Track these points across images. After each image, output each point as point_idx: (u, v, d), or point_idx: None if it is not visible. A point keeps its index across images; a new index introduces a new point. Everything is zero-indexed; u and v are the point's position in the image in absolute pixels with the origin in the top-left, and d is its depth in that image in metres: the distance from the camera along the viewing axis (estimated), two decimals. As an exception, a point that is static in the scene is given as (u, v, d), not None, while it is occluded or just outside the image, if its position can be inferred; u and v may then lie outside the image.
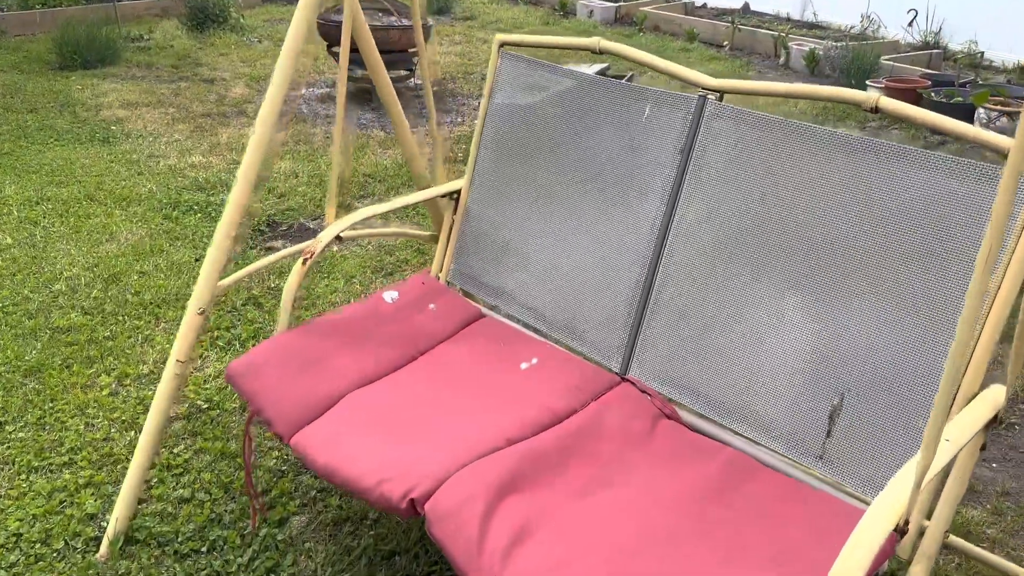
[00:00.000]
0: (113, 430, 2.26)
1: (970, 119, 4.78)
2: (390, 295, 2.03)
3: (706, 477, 1.53)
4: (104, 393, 2.42)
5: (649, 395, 1.74)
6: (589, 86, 1.86)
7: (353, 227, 1.97)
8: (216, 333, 2.74)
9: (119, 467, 2.12)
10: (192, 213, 3.74)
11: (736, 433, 1.65)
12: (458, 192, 2.15)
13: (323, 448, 1.59)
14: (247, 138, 4.01)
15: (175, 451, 2.18)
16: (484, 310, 2.08)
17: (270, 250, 3.45)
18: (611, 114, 1.81)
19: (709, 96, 1.67)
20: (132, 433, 2.24)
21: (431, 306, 2.02)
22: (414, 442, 1.59)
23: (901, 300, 1.42)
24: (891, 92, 5.25)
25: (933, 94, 5.14)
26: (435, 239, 2.25)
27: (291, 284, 1.85)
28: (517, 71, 2.01)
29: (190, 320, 1.84)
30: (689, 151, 1.69)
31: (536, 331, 1.99)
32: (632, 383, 1.78)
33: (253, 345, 2.64)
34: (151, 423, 1.85)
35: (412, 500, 1.44)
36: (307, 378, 1.76)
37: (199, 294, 1.84)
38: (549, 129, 1.93)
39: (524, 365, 1.83)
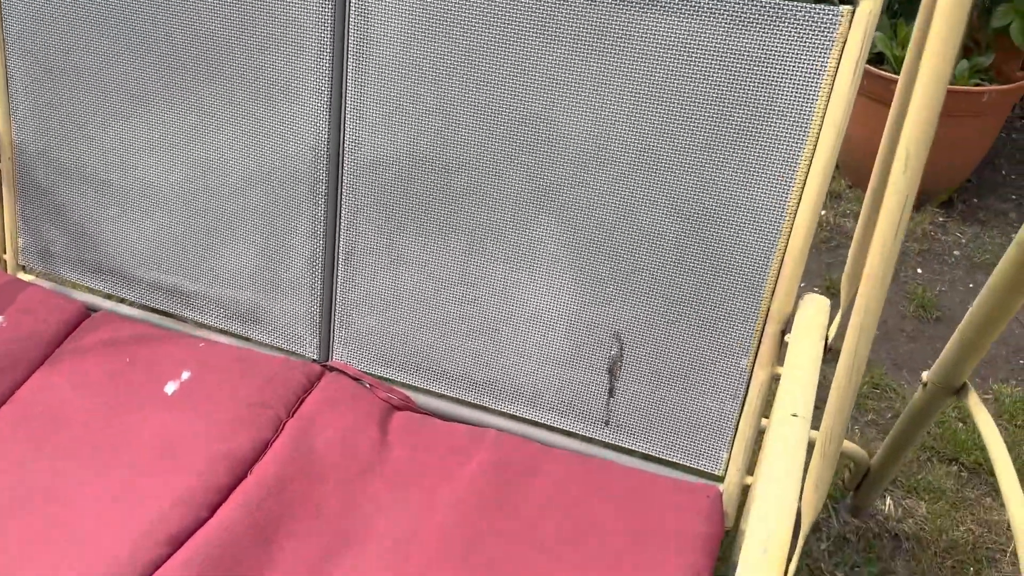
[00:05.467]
0: None
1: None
2: (-81, 318, 1.26)
3: (473, 484, 1.10)
4: None
5: (369, 385, 1.24)
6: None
7: None
8: None
9: None
10: None
11: (494, 411, 1.22)
12: (-6, 126, 1.35)
13: None
14: None
15: None
16: (93, 300, 1.39)
17: None
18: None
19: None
20: None
21: (-3, 319, 1.29)
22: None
23: (681, 202, 1.03)
24: None
25: None
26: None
27: None
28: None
29: None
30: (343, 26, 1.10)
31: (182, 320, 1.36)
32: (341, 371, 1.26)
33: None
34: None
35: None
36: None
37: None
38: None
39: (171, 386, 1.21)
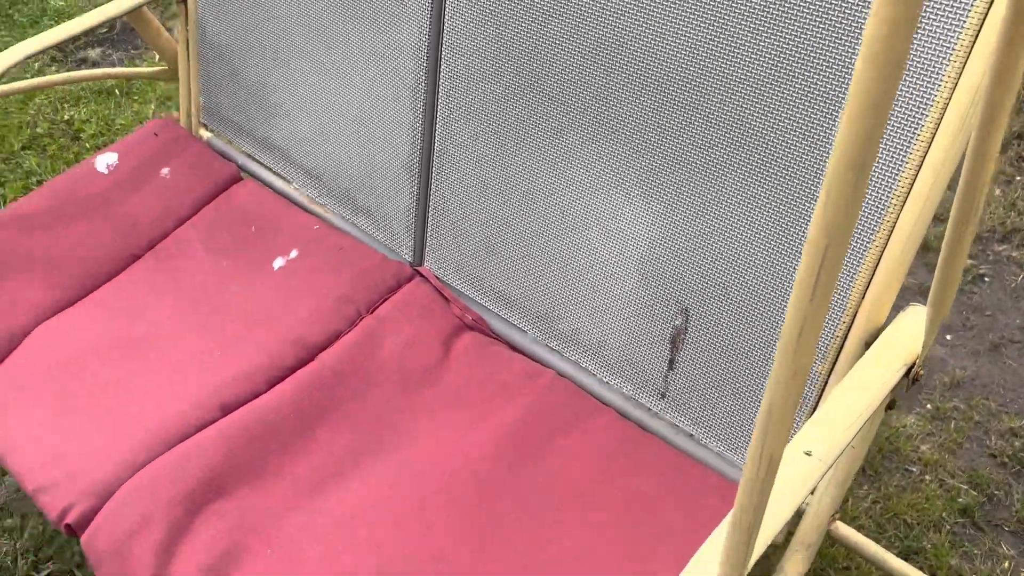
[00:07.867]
0: None
1: None
2: (106, 159, 1.44)
3: (512, 426, 1.07)
4: None
5: (446, 298, 1.23)
6: None
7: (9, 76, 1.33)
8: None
9: None
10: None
11: (561, 355, 1.16)
12: (184, -8, 1.46)
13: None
14: None
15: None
16: (246, 164, 1.49)
17: (83, 63, 2.71)
18: None
19: None
20: None
21: (164, 171, 1.44)
22: (97, 416, 1.10)
23: (775, 175, 0.86)
24: None
25: None
26: (174, 75, 1.59)
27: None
28: None
29: None
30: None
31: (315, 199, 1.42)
32: (426, 279, 1.26)
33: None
34: None
35: (69, 526, 0.99)
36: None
37: None
38: None
39: (279, 262, 1.29)
